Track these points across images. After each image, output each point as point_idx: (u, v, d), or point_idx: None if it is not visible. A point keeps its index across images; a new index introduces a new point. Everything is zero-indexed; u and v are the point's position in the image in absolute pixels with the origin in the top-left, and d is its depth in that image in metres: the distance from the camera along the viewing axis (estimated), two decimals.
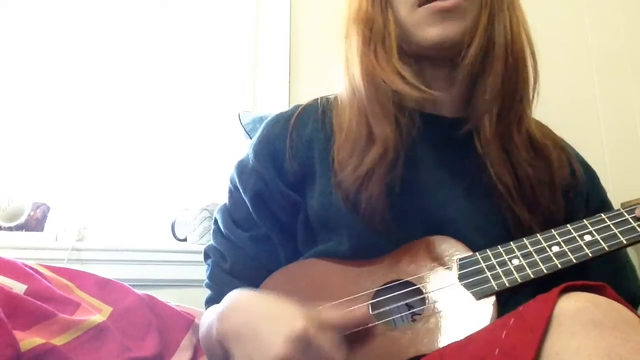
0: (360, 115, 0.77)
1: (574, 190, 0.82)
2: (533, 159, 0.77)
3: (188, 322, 0.98)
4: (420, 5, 0.74)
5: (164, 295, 1.02)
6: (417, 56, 0.78)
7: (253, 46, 1.61)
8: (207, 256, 0.87)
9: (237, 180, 0.85)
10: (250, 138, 1.21)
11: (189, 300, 1.08)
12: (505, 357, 0.47)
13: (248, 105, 1.55)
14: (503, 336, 0.49)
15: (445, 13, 0.73)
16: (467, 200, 0.77)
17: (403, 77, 0.74)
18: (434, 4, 0.72)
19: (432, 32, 0.74)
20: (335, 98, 0.85)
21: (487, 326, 0.57)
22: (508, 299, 0.66)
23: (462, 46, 0.76)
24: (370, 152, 0.75)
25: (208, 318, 0.74)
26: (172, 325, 0.96)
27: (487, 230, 0.75)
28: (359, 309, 0.67)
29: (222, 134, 1.55)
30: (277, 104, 1.51)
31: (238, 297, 0.68)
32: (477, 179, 0.77)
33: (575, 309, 0.48)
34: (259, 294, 0.68)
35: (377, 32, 0.77)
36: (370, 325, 0.66)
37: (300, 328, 0.57)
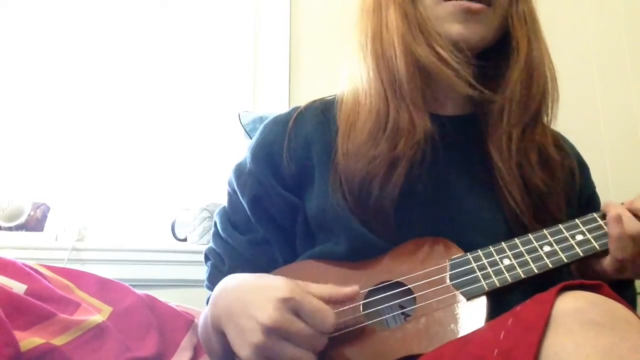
0: (390, 98, 0.75)
1: (572, 190, 0.82)
2: (544, 173, 0.77)
3: (188, 322, 0.98)
4: (447, 0, 0.74)
5: (164, 295, 1.02)
6: None
7: (253, 46, 1.61)
8: (207, 258, 0.87)
9: (235, 184, 0.85)
10: (250, 138, 1.21)
11: (189, 300, 1.08)
12: (505, 358, 0.47)
13: (248, 105, 1.55)
14: (501, 337, 0.49)
15: (470, 14, 0.74)
16: (471, 200, 0.77)
17: (455, 70, 0.73)
18: (462, 2, 0.73)
19: (454, 28, 0.74)
20: (339, 96, 0.83)
21: (484, 326, 0.57)
22: (502, 299, 0.66)
23: (475, 51, 0.76)
24: (403, 138, 0.72)
25: (204, 312, 0.74)
26: (172, 325, 0.96)
27: (491, 231, 0.75)
28: (349, 288, 0.66)
29: (222, 134, 1.55)
30: (277, 104, 1.51)
31: (228, 281, 0.69)
32: (483, 180, 0.77)
33: (574, 309, 0.48)
34: (247, 274, 0.69)
35: (411, 14, 0.76)
36: (362, 325, 0.66)
37: (288, 290, 0.59)
